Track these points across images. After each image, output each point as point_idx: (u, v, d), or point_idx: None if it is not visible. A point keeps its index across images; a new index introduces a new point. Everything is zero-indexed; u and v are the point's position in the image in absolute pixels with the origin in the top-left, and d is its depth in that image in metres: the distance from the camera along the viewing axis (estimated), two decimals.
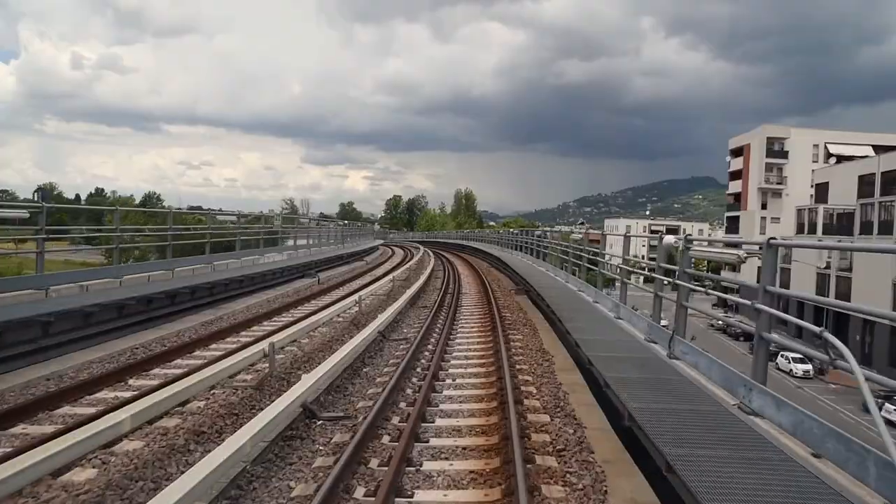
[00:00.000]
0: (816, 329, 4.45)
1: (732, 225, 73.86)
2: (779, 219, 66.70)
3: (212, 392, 7.30)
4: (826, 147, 65.47)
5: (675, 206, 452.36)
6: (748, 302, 5.99)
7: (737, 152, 73.97)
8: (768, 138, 67.46)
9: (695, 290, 8.60)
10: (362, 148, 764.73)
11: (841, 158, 58.50)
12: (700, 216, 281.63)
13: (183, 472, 4.36)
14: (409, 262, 31.98)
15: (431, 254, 39.34)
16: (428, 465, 5.49)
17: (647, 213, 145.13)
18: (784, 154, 67.21)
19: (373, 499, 4.61)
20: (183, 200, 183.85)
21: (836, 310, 38.03)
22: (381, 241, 60.90)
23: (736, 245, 13.34)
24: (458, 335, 12.30)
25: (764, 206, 68.36)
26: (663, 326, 9.51)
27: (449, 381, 8.52)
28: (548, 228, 49.84)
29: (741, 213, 71.52)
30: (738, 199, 73.26)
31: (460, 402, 7.55)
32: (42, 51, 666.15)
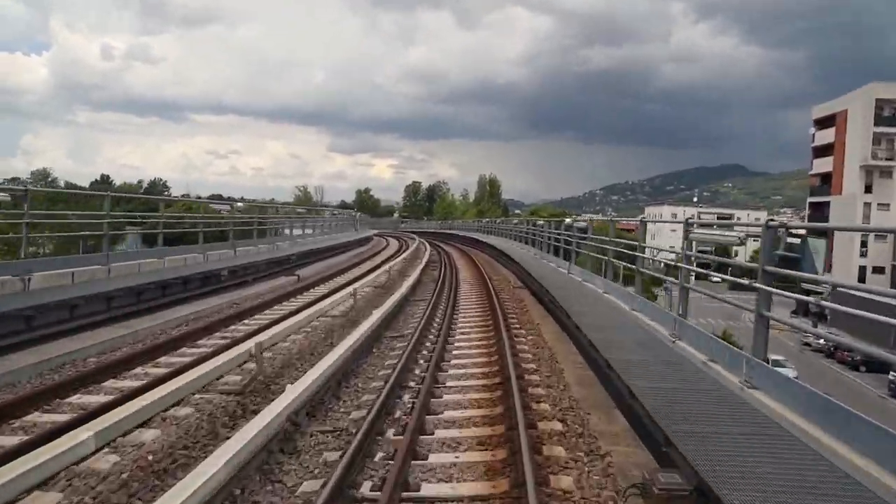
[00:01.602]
0: None
1: (818, 213, 57.36)
2: (888, 205, 50.41)
3: None
4: None
5: (705, 194, 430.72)
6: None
7: (824, 122, 57.43)
8: (877, 100, 50.84)
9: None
10: (387, 136, 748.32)
11: None
12: (730, 205, 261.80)
13: None
14: (375, 271, 17.27)
15: (426, 255, 24.65)
16: None
17: (695, 199, 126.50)
18: None
19: None
20: (191, 188, 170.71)
21: None
22: (375, 232, 48.52)
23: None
24: None
25: (868, 189, 51.88)
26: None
27: None
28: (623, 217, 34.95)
29: (832, 198, 55.05)
30: (827, 180, 56.80)
31: None
32: (73, 42, 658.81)
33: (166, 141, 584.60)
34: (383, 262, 21.80)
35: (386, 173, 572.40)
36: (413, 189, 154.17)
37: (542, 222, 22.82)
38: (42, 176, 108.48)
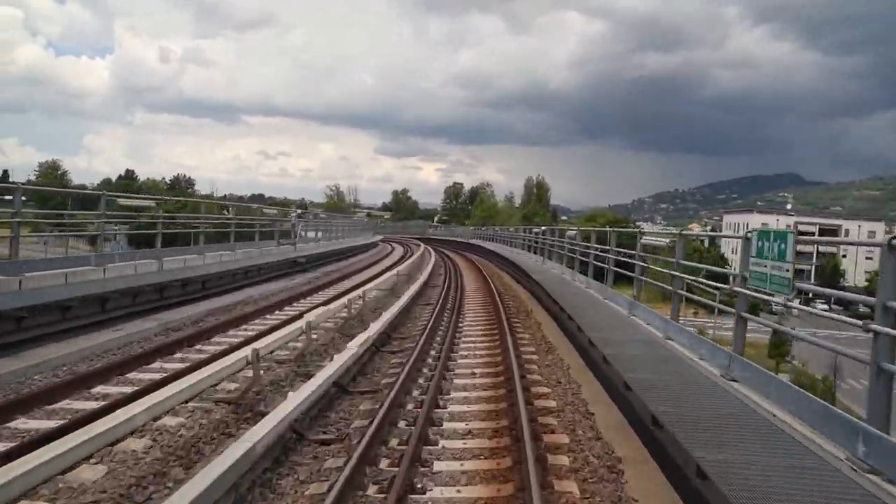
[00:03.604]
0: None
1: None
2: None
3: None
4: None
5: (759, 203, 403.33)
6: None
7: None
8: None
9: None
10: (435, 140, 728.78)
11: None
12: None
13: None
14: None
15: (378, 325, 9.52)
16: None
17: (788, 206, 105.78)
18: None
19: None
20: (217, 187, 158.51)
21: None
22: (381, 237, 40.49)
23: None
24: None
25: None
26: None
27: None
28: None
29: None
30: None
31: None
32: (133, 46, 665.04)
33: (219, 142, 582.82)
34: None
35: (433, 177, 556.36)
36: (454, 191, 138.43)
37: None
38: (52, 168, 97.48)
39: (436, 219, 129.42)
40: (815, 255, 66.07)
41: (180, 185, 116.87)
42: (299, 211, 24.58)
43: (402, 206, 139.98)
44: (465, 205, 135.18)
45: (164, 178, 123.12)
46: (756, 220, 78.04)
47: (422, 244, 36.65)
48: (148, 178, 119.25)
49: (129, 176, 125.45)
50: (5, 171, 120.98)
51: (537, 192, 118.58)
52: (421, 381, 7.57)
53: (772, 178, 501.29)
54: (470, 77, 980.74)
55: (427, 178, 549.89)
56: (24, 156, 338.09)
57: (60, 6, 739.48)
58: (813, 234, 68.51)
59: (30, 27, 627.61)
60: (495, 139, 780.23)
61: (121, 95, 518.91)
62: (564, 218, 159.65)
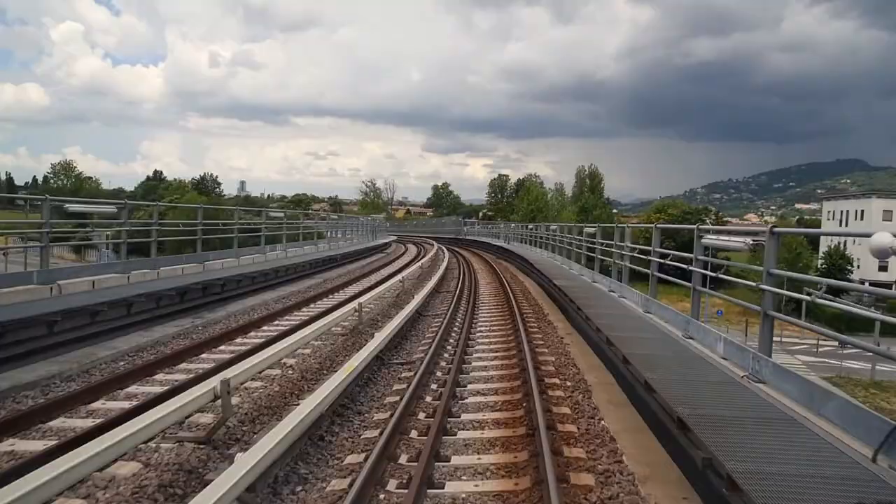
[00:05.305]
0: None
1: None
2: None
3: None
4: None
5: (819, 191, 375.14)
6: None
7: None
8: None
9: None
10: (482, 136, 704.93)
11: None
12: None
13: None
14: None
15: None
16: None
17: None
18: None
19: None
20: (249, 187, 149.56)
21: None
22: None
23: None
24: None
25: None
26: None
27: None
28: None
29: None
30: None
31: None
32: (185, 52, 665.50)
33: (269, 143, 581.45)
34: None
35: (480, 173, 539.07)
36: (499, 184, 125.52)
37: None
38: (65, 169, 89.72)
39: (480, 214, 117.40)
40: None
41: (206, 185, 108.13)
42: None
43: (442, 202, 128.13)
44: (511, 199, 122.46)
45: (192, 179, 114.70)
46: (876, 207, 62.55)
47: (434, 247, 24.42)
48: (175, 179, 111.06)
49: (157, 177, 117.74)
50: (34, 178, 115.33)
51: (591, 183, 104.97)
52: None
53: (833, 164, 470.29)
54: (517, 70, 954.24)
55: (474, 174, 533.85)
56: (85, 163, 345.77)
57: (116, 18, 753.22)
58: None
59: (89, 40, 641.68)
60: (543, 133, 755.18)
61: (174, 101, 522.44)
62: (616, 211, 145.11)
